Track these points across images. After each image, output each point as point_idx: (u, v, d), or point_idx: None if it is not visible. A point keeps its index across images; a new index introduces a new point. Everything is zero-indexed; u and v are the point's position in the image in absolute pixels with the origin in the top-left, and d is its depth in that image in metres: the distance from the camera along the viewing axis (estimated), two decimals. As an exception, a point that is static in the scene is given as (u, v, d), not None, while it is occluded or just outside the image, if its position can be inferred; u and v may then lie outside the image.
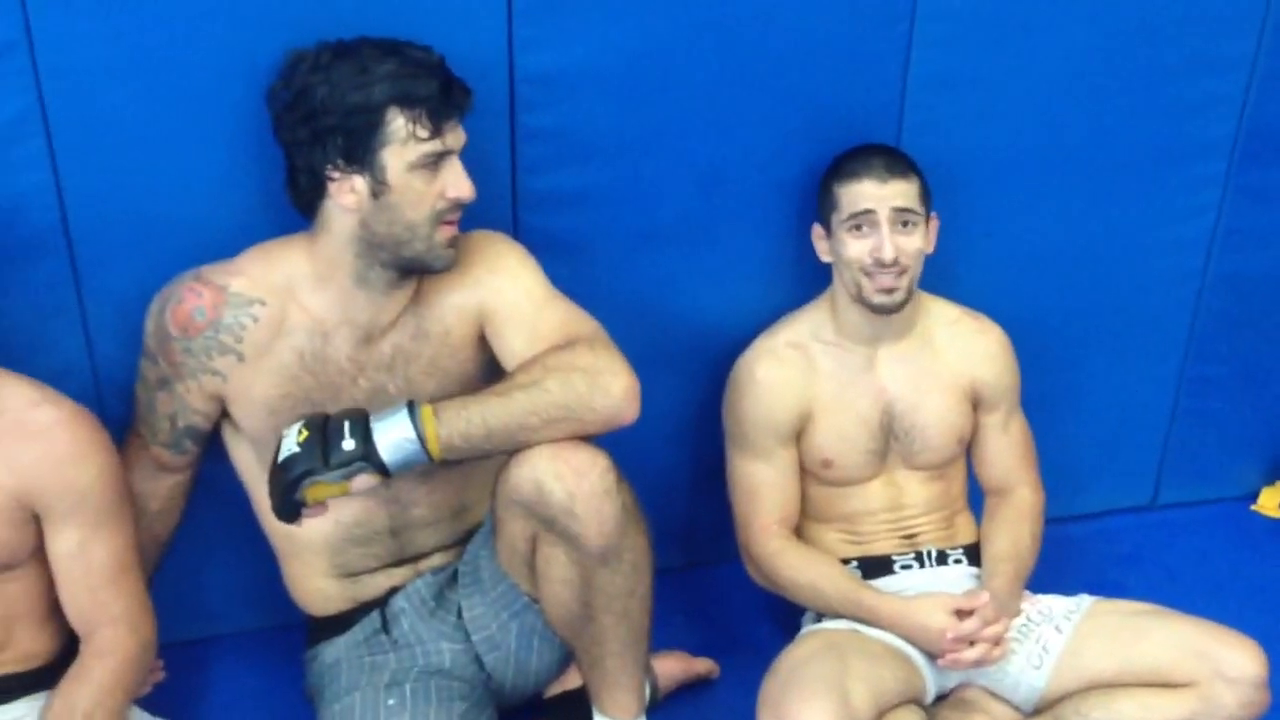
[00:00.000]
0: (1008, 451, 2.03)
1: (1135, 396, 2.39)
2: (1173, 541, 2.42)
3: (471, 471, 1.82)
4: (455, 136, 1.65)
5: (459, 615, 1.81)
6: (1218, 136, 2.17)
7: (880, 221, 1.86)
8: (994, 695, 1.90)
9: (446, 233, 1.66)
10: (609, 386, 1.59)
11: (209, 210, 1.80)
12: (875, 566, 1.98)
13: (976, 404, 2.02)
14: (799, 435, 1.97)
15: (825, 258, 1.96)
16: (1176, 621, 1.84)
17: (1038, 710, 1.87)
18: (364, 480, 1.55)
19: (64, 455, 1.64)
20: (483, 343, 1.74)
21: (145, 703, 1.77)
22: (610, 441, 1.64)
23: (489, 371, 1.74)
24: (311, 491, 1.55)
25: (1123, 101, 2.10)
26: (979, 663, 1.84)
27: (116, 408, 1.83)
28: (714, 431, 2.06)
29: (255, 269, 1.71)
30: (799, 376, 1.96)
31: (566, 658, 1.83)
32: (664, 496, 2.15)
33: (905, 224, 1.87)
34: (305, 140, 1.62)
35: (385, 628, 1.82)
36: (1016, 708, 1.89)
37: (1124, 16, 2.03)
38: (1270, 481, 2.54)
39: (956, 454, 2.02)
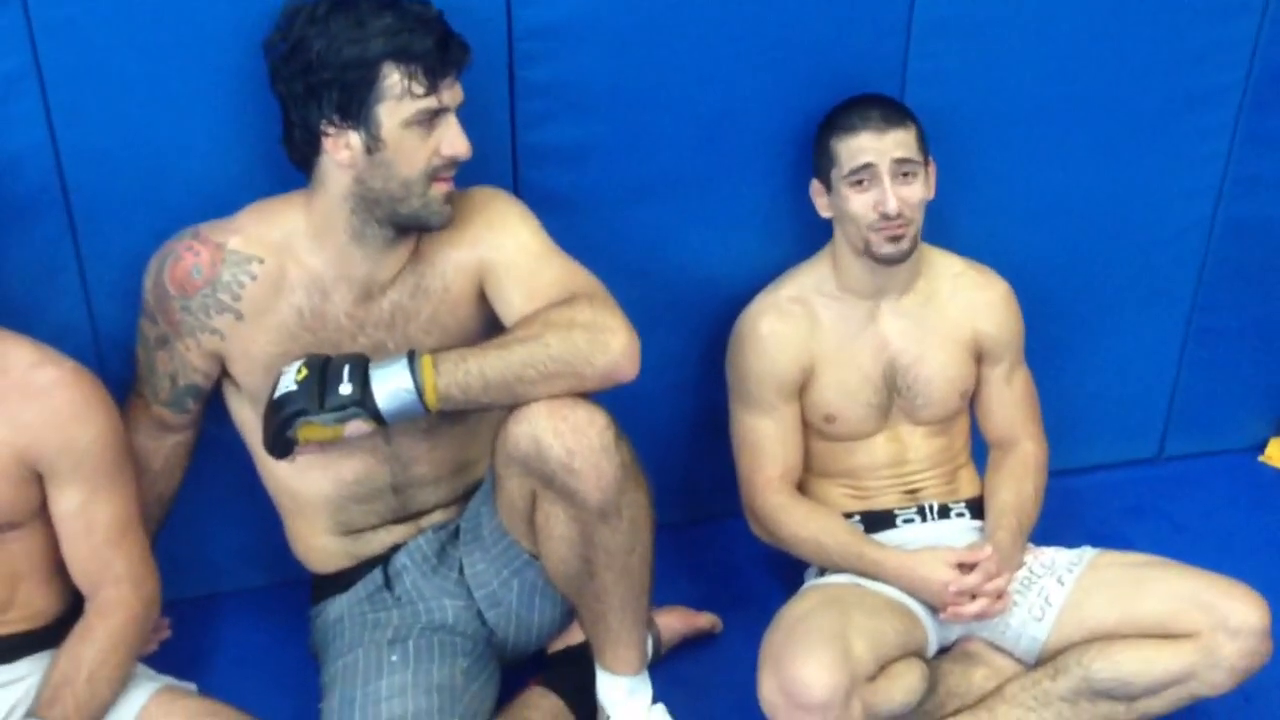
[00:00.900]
0: (1011, 405, 2.02)
1: (1142, 348, 2.37)
2: (1179, 494, 2.41)
3: (474, 428, 1.83)
4: (452, 94, 1.63)
5: (461, 572, 1.82)
6: (1226, 83, 2.14)
7: (882, 174, 1.84)
8: (996, 647, 1.91)
9: (442, 189, 1.64)
10: (608, 343, 1.58)
11: (207, 167, 1.79)
12: (878, 521, 1.98)
13: (980, 357, 2.00)
14: (802, 390, 1.96)
15: (825, 213, 1.94)
16: (1179, 572, 1.84)
17: (1039, 661, 1.87)
18: (358, 426, 1.55)
19: (65, 415, 1.64)
20: (483, 299, 1.73)
21: (151, 660, 1.79)
22: (611, 397, 1.63)
23: (489, 328, 1.73)
24: (303, 431, 1.55)
25: (1130, 49, 2.07)
26: (981, 616, 1.84)
27: (117, 367, 1.83)
28: (715, 386, 2.06)
29: (253, 226, 1.70)
30: (801, 331, 1.95)
31: (568, 614, 1.83)
32: (666, 452, 2.15)
33: (906, 174, 1.86)
34: (300, 94, 1.60)
35: (388, 584, 1.82)
36: (1018, 659, 1.90)
37: (1132, -37, 2.01)
38: (1279, 432, 2.53)
39: (959, 408, 2.01)
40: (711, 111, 1.97)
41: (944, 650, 1.93)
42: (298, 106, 1.61)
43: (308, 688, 1.83)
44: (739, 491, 2.01)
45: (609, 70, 1.89)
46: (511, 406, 1.60)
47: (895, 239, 1.86)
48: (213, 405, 1.83)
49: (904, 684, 1.76)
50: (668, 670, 1.94)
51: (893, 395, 1.97)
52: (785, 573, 2.06)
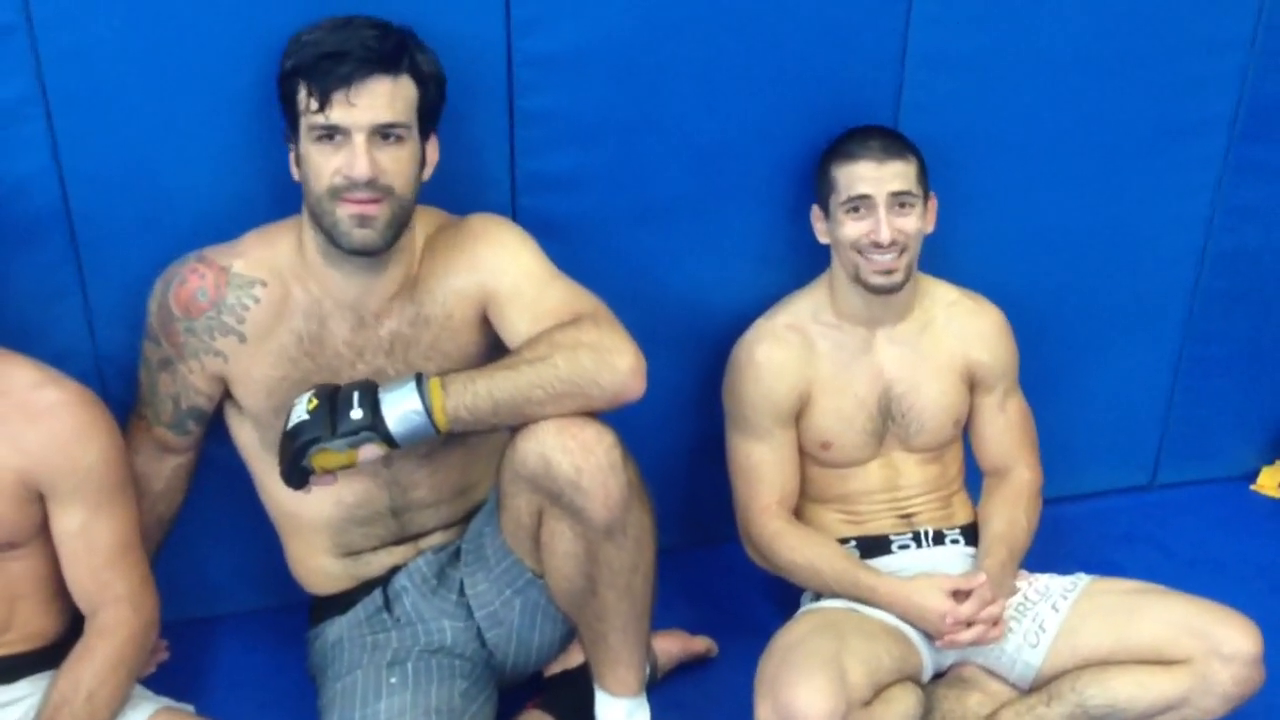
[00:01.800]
0: (1005, 432, 2.03)
1: (1134, 376, 2.40)
2: (1171, 521, 2.43)
3: (474, 452, 1.84)
4: (350, 112, 1.57)
5: (461, 593, 1.83)
6: (1215, 114, 2.17)
7: (878, 204, 1.86)
8: (991, 673, 1.92)
9: (348, 209, 1.61)
10: (615, 363, 1.60)
11: (210, 192, 1.81)
12: (873, 546, 1.99)
13: (974, 385, 2.02)
14: (798, 416, 1.98)
15: (824, 239, 1.97)
16: (1173, 600, 1.85)
17: (1034, 687, 1.88)
18: (371, 450, 1.56)
19: (68, 436, 1.65)
20: (484, 325, 1.75)
21: (149, 681, 1.78)
22: (610, 421, 1.64)
23: (490, 354, 1.74)
24: (318, 459, 1.56)
25: (1121, 80, 2.11)
26: (976, 643, 1.85)
27: (118, 390, 1.84)
28: (712, 412, 2.07)
29: (256, 250, 1.72)
30: (798, 358, 1.97)
31: (568, 635, 1.84)
32: (662, 477, 2.14)
33: (902, 205, 1.88)
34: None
35: (387, 606, 1.83)
36: (1013, 685, 1.90)
37: (1123, -5, 2.04)
38: (1270, 461, 2.55)
39: (953, 436, 2.03)
40: (709, 140, 1.99)
41: (939, 675, 1.94)
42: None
43: (305, 710, 1.84)
44: (736, 517, 2.02)
45: (607, 99, 1.92)
46: (519, 426, 1.61)
47: (886, 271, 1.88)
48: (213, 427, 1.84)
49: (899, 709, 1.77)
50: (664, 694, 1.94)
51: (888, 422, 1.99)
52: (781, 598, 2.07)
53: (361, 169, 1.58)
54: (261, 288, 1.70)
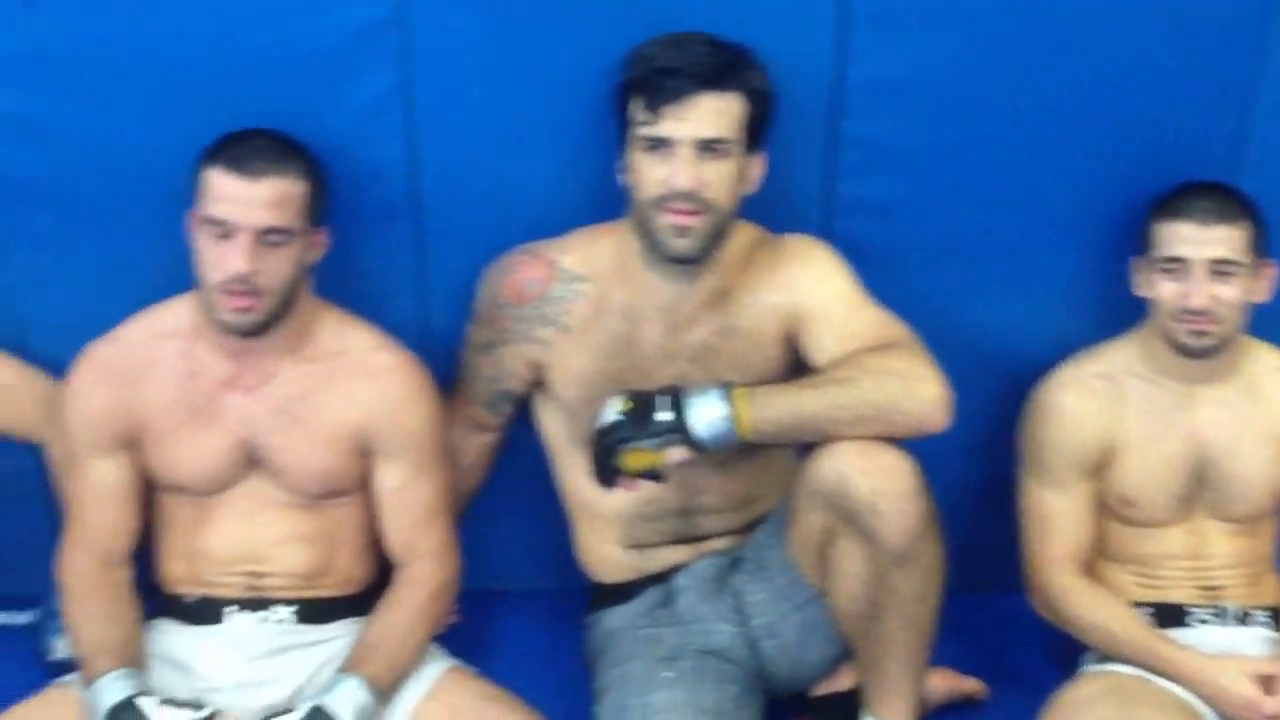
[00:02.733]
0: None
1: None
2: None
3: (763, 465, 1.87)
4: (678, 125, 1.64)
5: (737, 600, 1.85)
6: None
7: (1195, 269, 1.79)
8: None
9: (669, 219, 1.67)
10: (922, 392, 1.60)
11: (545, 191, 1.90)
12: (1168, 615, 1.89)
13: None
14: (1100, 469, 1.91)
15: (1142, 291, 1.90)
16: None
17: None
18: (677, 453, 1.61)
19: (399, 397, 1.79)
20: (788, 344, 1.78)
21: (439, 640, 1.87)
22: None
23: (790, 373, 1.77)
24: (627, 458, 1.62)
25: None
26: (1278, 734, 1.74)
27: (440, 367, 1.94)
28: (1001, 455, 2.02)
29: (584, 248, 1.80)
30: (1106, 409, 1.90)
31: (840, 657, 1.84)
32: (946, 515, 2.12)
33: (1224, 273, 1.79)
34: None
35: (667, 602, 1.87)
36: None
37: None
38: None
39: (1270, 509, 1.92)
40: (1031, 179, 1.95)
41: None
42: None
43: (579, 691, 1.91)
44: (1021, 565, 1.97)
45: (933, 129, 1.90)
46: (815, 444, 1.63)
47: (1198, 333, 1.80)
48: (521, 412, 1.93)
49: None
50: (928, 731, 1.92)
51: (1199, 487, 1.90)
52: (1058, 653, 2.00)
53: (684, 181, 1.64)
54: (585, 284, 1.79)
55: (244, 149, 1.68)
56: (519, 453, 2.01)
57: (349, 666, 1.72)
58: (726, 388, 1.62)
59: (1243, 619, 1.89)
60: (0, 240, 1.91)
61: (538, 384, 1.88)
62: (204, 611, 1.81)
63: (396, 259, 1.96)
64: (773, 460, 1.87)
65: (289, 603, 1.81)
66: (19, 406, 1.92)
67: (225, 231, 1.66)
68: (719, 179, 1.66)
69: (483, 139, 1.88)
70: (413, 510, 1.81)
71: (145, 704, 1.65)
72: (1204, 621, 1.89)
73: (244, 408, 1.77)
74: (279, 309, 1.71)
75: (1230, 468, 1.88)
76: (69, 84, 1.80)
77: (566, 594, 2.09)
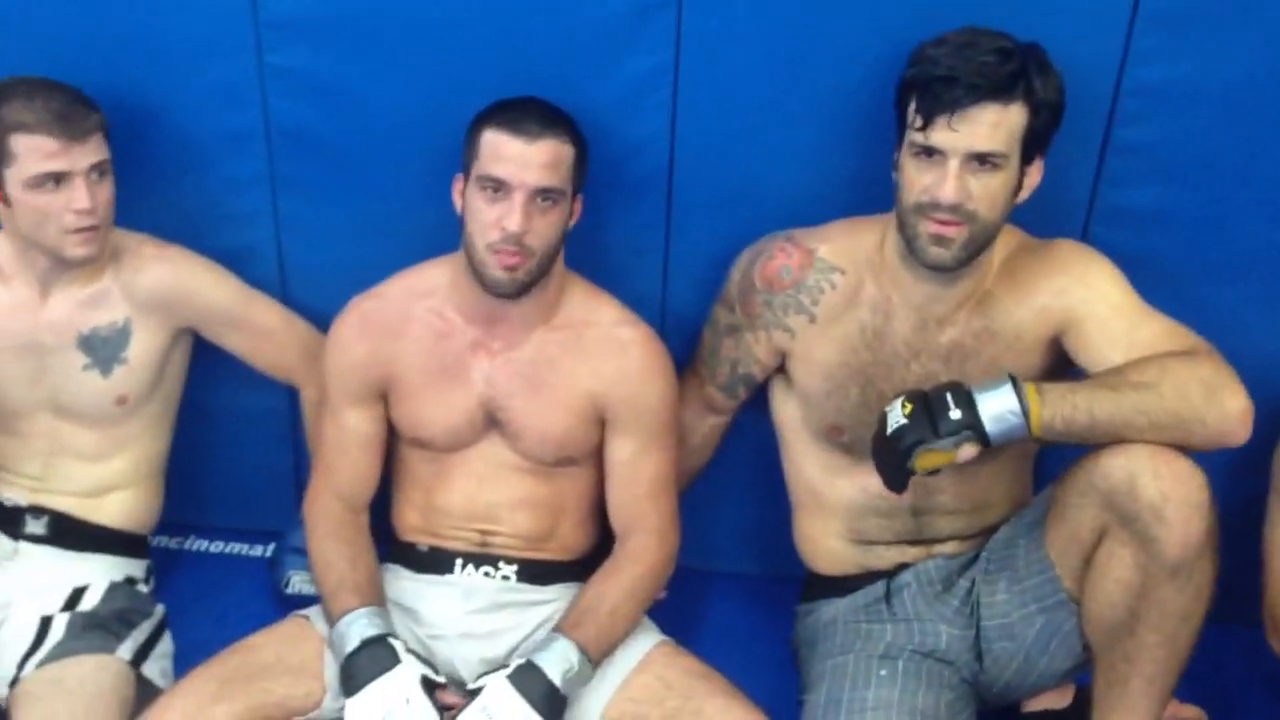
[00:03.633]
0: None
1: None
2: None
3: (1000, 470, 1.84)
4: (949, 136, 1.62)
5: (966, 600, 1.82)
6: None
7: None
8: None
9: (929, 227, 1.65)
10: (1225, 403, 1.55)
11: (798, 179, 1.90)
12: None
13: None
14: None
15: None
16: None
17: None
18: (968, 450, 1.59)
19: (637, 371, 1.82)
20: (1051, 350, 1.74)
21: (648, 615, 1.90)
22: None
23: (1046, 378, 1.71)
24: (921, 460, 1.60)
25: None
26: None
27: (675, 345, 1.96)
28: (1255, 482, 1.93)
29: (841, 239, 1.80)
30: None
31: (1071, 672, 1.79)
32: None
33: None
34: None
35: (887, 599, 1.86)
36: None
37: None
38: None
39: None
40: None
41: None
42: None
43: (782, 679, 1.92)
44: (1264, 596, 1.89)
45: (1205, 136, 1.83)
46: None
47: None
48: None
49: None
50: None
51: None
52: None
53: (948, 194, 1.61)
54: (840, 275, 1.78)
55: (520, 112, 1.72)
56: (742, 436, 2.01)
57: (561, 627, 1.75)
58: (1015, 381, 1.58)
59: None
60: (274, 189, 1.99)
61: (778, 371, 1.88)
62: (436, 562, 1.87)
63: (644, 235, 1.98)
64: (1009, 465, 1.84)
65: (511, 561, 1.86)
66: (282, 350, 2.01)
67: (501, 191, 1.70)
68: (986, 193, 1.62)
69: (740, 124, 1.88)
70: (640, 483, 1.84)
71: (397, 645, 1.72)
72: None
73: (490, 370, 1.82)
74: (540, 272, 1.75)
75: None
76: (353, 45, 1.87)
77: (775, 580, 2.09)
